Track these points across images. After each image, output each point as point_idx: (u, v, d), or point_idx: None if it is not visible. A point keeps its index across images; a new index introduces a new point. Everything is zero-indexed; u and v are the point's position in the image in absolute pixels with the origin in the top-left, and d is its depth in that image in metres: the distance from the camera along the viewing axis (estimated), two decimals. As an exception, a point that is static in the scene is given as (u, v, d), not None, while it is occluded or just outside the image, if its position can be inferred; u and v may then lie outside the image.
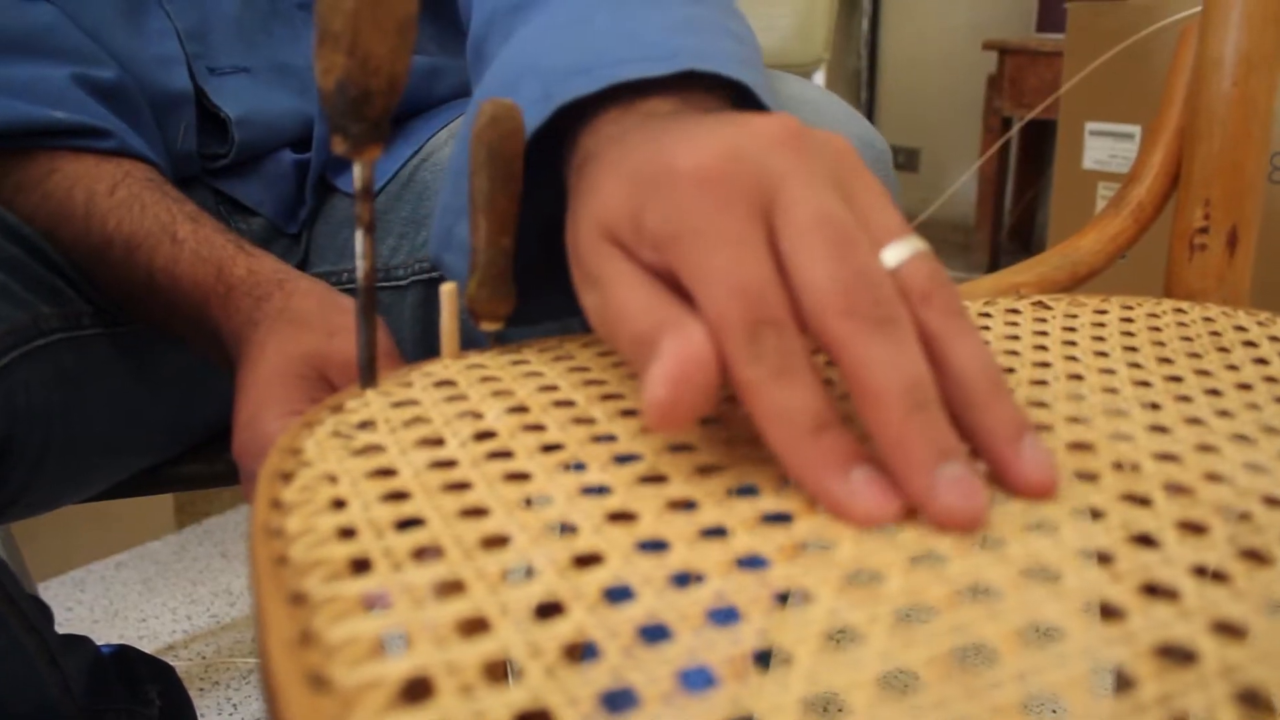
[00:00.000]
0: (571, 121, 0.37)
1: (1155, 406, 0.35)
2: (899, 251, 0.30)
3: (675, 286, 0.29)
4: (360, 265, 0.33)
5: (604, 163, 0.33)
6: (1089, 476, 0.29)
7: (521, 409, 0.32)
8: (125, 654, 0.74)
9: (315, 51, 0.31)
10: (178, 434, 0.70)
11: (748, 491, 0.28)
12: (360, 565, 0.24)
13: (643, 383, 0.27)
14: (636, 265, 0.30)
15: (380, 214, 0.71)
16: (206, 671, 1.24)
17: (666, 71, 0.36)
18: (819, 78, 1.87)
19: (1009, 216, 2.63)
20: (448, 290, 0.36)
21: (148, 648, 1.27)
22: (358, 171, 0.33)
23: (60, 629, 0.62)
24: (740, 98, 0.39)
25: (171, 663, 0.76)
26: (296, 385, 0.50)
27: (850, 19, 2.87)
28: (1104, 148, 1.71)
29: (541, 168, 0.39)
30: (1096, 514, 0.27)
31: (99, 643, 0.69)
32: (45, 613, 0.62)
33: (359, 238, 0.33)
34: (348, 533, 0.25)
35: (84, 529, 1.47)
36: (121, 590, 1.42)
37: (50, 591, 1.41)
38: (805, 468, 0.27)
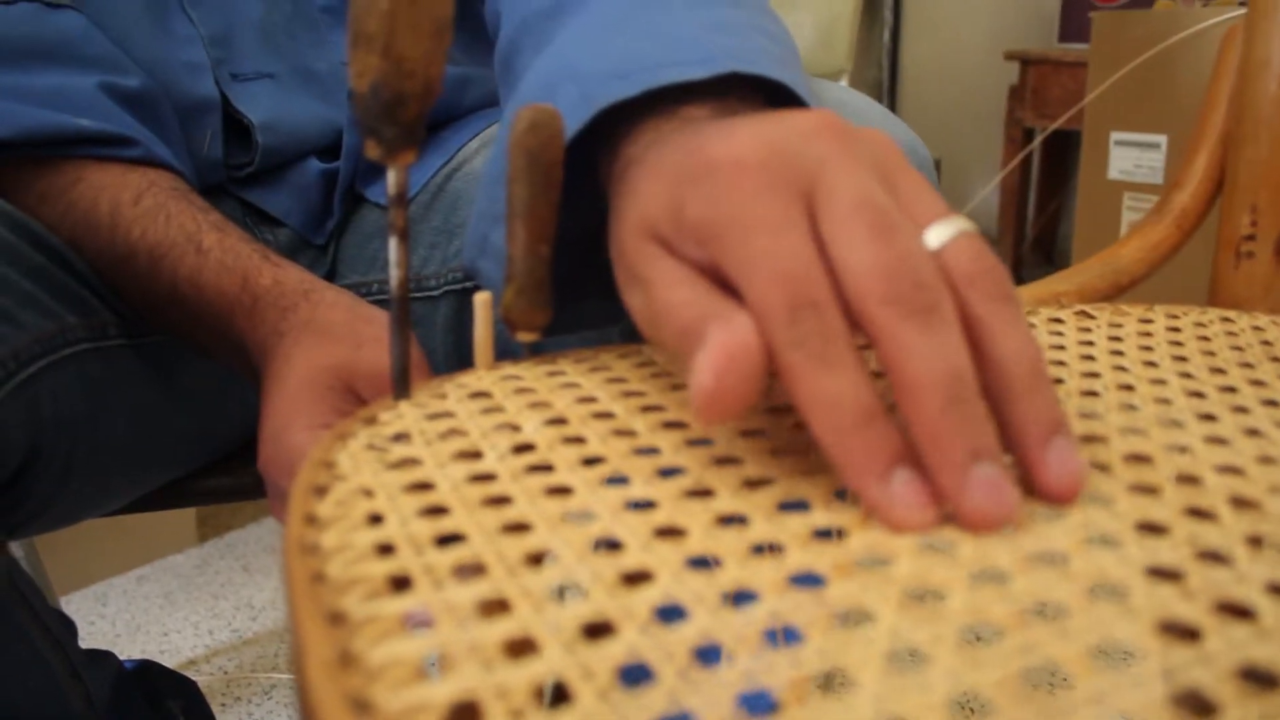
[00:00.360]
0: (609, 125, 0.37)
1: (1211, 418, 0.34)
2: (943, 232, 0.29)
3: (721, 282, 0.29)
4: (394, 273, 0.32)
5: (644, 166, 0.33)
6: (1149, 490, 0.28)
7: (560, 421, 0.32)
8: (148, 669, 0.73)
9: (349, 54, 0.31)
10: (202, 446, 0.69)
11: (798, 506, 0.27)
12: (400, 583, 0.23)
13: (689, 373, 0.27)
14: (680, 262, 0.30)
15: (411, 224, 0.70)
16: (228, 687, 1.23)
17: (706, 75, 0.36)
18: (841, 88, 1.86)
19: (1031, 228, 2.61)
20: (482, 300, 0.35)
21: (169, 662, 1.26)
22: (392, 177, 0.32)
23: (82, 643, 0.61)
24: (779, 98, 0.38)
25: (193, 678, 0.76)
26: (324, 397, 0.49)
27: (871, 30, 2.87)
28: (1129, 157, 1.70)
29: (577, 173, 0.38)
30: (1160, 529, 0.26)
31: (121, 658, 0.68)
32: (69, 627, 0.61)
33: (393, 245, 0.32)
34: (386, 549, 0.24)
35: (106, 542, 1.47)
36: (143, 604, 1.41)
37: (72, 605, 1.41)
38: (846, 463, 0.26)
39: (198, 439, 0.68)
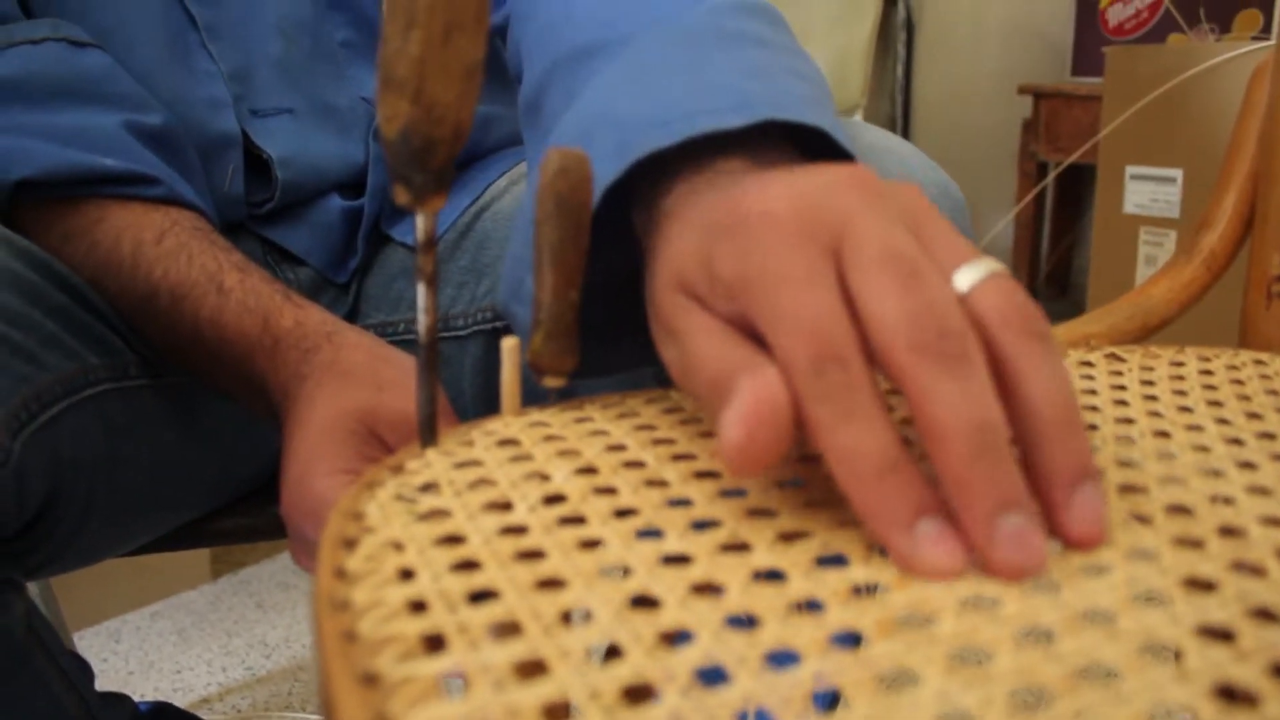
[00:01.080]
0: (640, 169, 0.37)
1: (1251, 466, 0.33)
2: (972, 274, 0.29)
3: (753, 335, 0.29)
4: (422, 320, 0.32)
5: (676, 219, 0.33)
6: (1194, 543, 0.28)
7: (590, 470, 0.31)
8: (163, 711, 0.73)
9: (378, 98, 0.31)
10: (222, 486, 0.69)
11: (836, 560, 0.26)
12: (434, 642, 0.23)
13: (717, 426, 0.27)
14: (712, 315, 0.30)
15: (438, 264, 0.70)
16: (241, 725, 1.23)
17: (743, 123, 0.36)
18: (855, 123, 1.86)
19: (1046, 262, 2.60)
20: (509, 346, 0.35)
21: (182, 701, 1.25)
22: (420, 222, 0.32)
23: (96, 681, 0.61)
24: (812, 141, 0.38)
25: (207, 716, 0.75)
26: (346, 442, 0.49)
27: (884, 64, 2.88)
28: (1145, 192, 1.69)
29: (610, 215, 0.38)
30: (1208, 585, 0.25)
31: (135, 697, 0.67)
32: (85, 670, 0.61)
33: (421, 291, 0.32)
34: (419, 606, 0.24)
35: (119, 579, 1.47)
36: (157, 641, 1.41)
37: (85, 642, 1.40)
38: (870, 513, 0.26)
39: (217, 479, 0.68)
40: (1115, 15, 2.28)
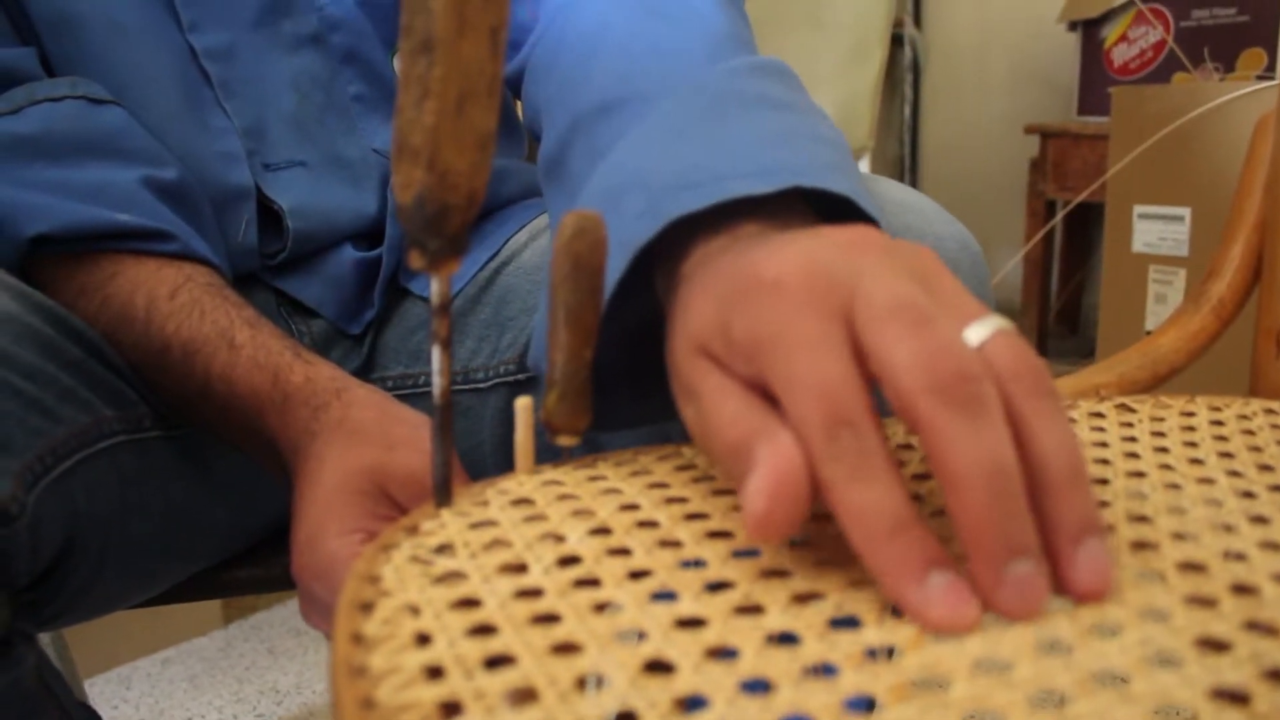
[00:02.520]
0: (664, 232, 0.37)
1: (1263, 520, 0.33)
2: (982, 330, 0.29)
3: (770, 397, 0.29)
4: (436, 382, 0.33)
5: (694, 284, 0.34)
6: (1207, 602, 0.28)
7: (604, 530, 0.31)
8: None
9: (393, 165, 0.31)
10: (235, 536, 0.69)
11: (849, 623, 0.27)
12: (451, 709, 0.23)
13: (741, 495, 0.28)
14: (730, 378, 0.31)
15: (458, 317, 0.70)
16: (253, 773, 1.22)
17: (770, 189, 0.36)
18: (864, 165, 1.87)
19: (1055, 301, 2.60)
20: (523, 405, 0.35)
21: (195, 749, 1.25)
22: (435, 287, 0.32)
23: (107, 729, 0.61)
24: (835, 204, 0.39)
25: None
26: (357, 501, 0.49)
27: (891, 105, 2.89)
28: (1154, 230, 1.70)
29: (638, 271, 0.39)
30: (1221, 645, 0.26)
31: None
32: None
33: (435, 354, 0.32)
34: (435, 672, 0.24)
35: (130, 625, 1.47)
36: (168, 688, 1.40)
37: (96, 689, 1.40)
38: (882, 570, 0.27)
39: (230, 529, 0.68)
40: (1120, 55, 2.29)
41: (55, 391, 0.55)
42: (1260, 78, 1.96)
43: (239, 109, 0.68)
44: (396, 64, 0.72)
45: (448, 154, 0.31)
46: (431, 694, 0.23)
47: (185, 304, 0.59)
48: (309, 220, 0.69)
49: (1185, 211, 1.66)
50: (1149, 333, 1.77)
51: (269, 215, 0.69)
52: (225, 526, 0.67)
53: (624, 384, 0.42)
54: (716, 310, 0.31)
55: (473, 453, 0.69)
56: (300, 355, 0.57)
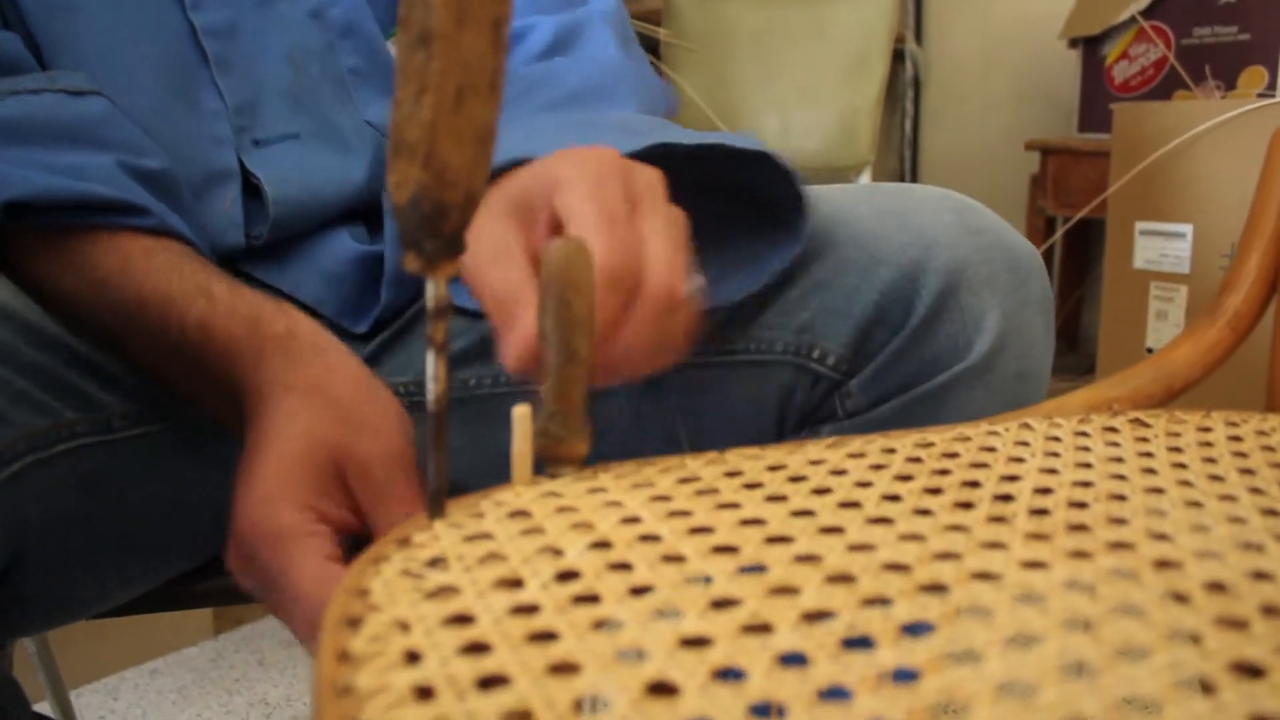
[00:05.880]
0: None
1: (1288, 539, 0.32)
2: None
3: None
4: (431, 388, 0.31)
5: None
6: (1237, 624, 0.26)
7: (604, 544, 0.30)
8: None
9: (389, 164, 0.30)
10: (221, 540, 0.67)
11: (862, 643, 0.25)
12: (441, 733, 0.21)
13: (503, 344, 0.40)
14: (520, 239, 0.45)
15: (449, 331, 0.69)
16: (241, 787, 1.20)
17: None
18: (864, 180, 1.87)
19: (1055, 317, 2.59)
20: (520, 413, 0.34)
21: (182, 763, 1.23)
22: (431, 290, 0.31)
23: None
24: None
25: (207, 783, 0.73)
26: (314, 476, 0.47)
27: (891, 120, 2.89)
28: (1155, 247, 1.69)
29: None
30: (1256, 670, 0.24)
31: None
32: None
33: (430, 360, 0.31)
34: (425, 692, 0.23)
35: (119, 635, 1.45)
36: (155, 699, 1.38)
37: (83, 700, 1.38)
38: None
39: (214, 532, 0.66)
40: (1121, 72, 2.29)
41: (7, 397, 0.53)
42: (1261, 95, 1.96)
43: (233, 86, 0.67)
44: (391, 47, 0.71)
45: (445, 150, 0.30)
46: (421, 715, 0.22)
47: (163, 265, 0.57)
48: (290, 187, 0.67)
49: (1187, 229, 1.65)
50: (1150, 350, 1.76)
51: (255, 194, 0.67)
52: (209, 528, 0.66)
53: None
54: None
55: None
56: (284, 310, 0.55)
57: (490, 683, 0.23)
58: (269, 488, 0.47)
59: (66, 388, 0.57)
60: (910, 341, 0.59)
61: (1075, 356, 2.61)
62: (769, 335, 0.63)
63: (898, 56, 2.75)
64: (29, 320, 0.56)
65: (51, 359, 0.56)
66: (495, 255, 0.43)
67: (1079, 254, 2.62)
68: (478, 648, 0.24)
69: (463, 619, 0.26)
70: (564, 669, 0.24)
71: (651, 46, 1.93)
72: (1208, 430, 0.43)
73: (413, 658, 0.24)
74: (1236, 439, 0.42)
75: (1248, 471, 0.38)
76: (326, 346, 0.53)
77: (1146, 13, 2.14)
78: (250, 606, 1.60)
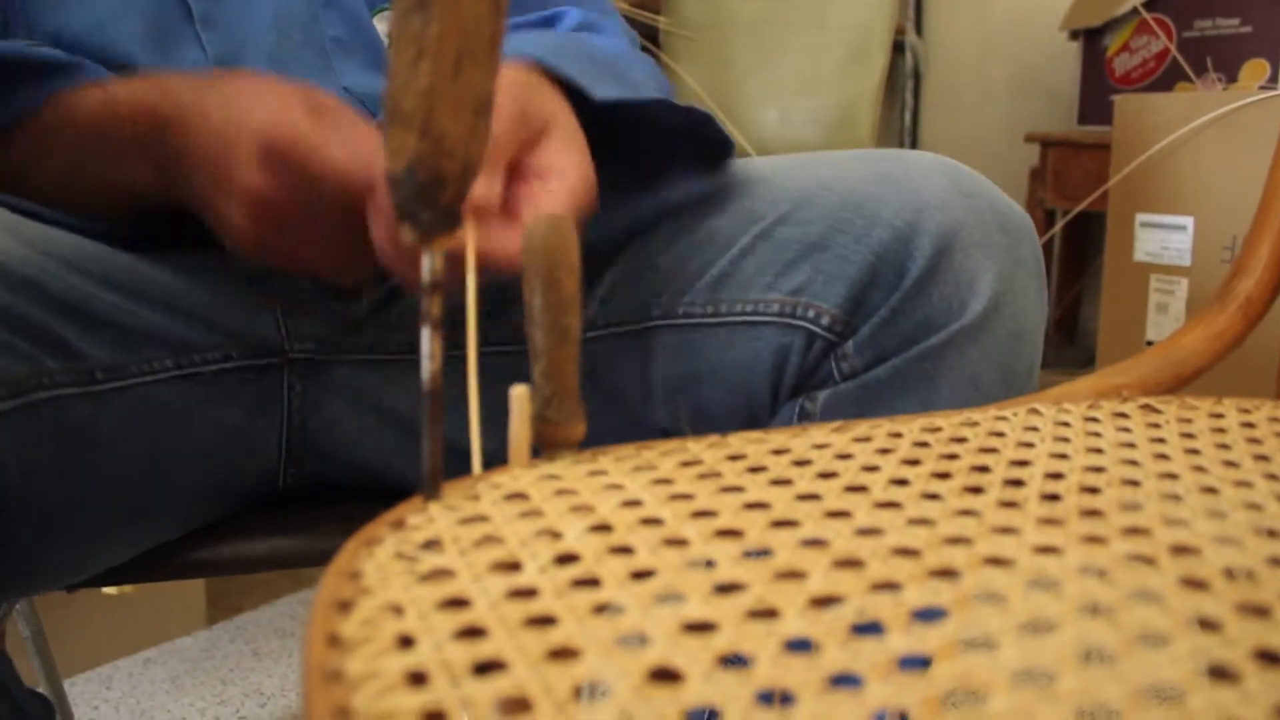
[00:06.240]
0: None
1: (1307, 526, 0.31)
2: None
3: None
4: (425, 366, 0.30)
5: None
6: (1259, 611, 0.25)
7: (604, 527, 0.29)
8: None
9: (384, 132, 0.29)
10: (213, 503, 0.66)
11: (872, 629, 0.24)
12: (435, 718, 0.21)
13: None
14: None
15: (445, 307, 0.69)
16: (234, 778, 1.19)
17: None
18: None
19: (1054, 310, 2.59)
20: (518, 394, 0.33)
21: (175, 752, 1.22)
22: (426, 263, 0.30)
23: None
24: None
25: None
26: (291, 88, 0.52)
27: (891, 111, 2.88)
28: (1156, 240, 1.68)
29: None
30: (1278, 658, 0.23)
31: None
32: (46, 708, 0.58)
33: (425, 336, 0.30)
34: (418, 678, 0.22)
35: (112, 623, 1.44)
36: (149, 689, 1.38)
37: (76, 689, 1.37)
38: None
39: (206, 495, 0.66)
40: (1122, 64, 2.27)
41: None
42: (1263, 88, 1.95)
43: (215, 40, 0.68)
44: (379, 24, 0.71)
45: (443, 118, 0.29)
46: (414, 702, 0.21)
47: (88, 89, 0.59)
48: None
49: (1188, 221, 1.64)
50: (1150, 342, 1.75)
51: None
52: (203, 488, 0.65)
53: None
54: None
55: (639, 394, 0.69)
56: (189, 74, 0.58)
57: (486, 668, 0.22)
58: (246, 100, 0.52)
59: (46, 336, 0.55)
60: (905, 302, 0.59)
61: (1075, 349, 2.61)
62: (764, 297, 0.63)
63: (898, 48, 2.74)
64: (3, 263, 0.55)
65: (29, 305, 0.55)
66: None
67: (1079, 247, 2.61)
68: (473, 632, 0.24)
69: (458, 602, 0.25)
70: (563, 654, 0.23)
71: (651, 35, 1.92)
72: (1220, 417, 0.42)
73: (406, 642, 0.23)
74: (1249, 425, 0.41)
75: (1262, 458, 0.37)
76: (235, 74, 0.57)
77: (1148, 5, 2.13)
78: (245, 596, 1.59)
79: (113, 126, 0.57)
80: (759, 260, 0.63)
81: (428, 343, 0.30)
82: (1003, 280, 0.58)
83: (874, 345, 0.60)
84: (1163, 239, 1.68)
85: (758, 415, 0.65)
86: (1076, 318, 2.67)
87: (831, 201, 0.62)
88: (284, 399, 0.67)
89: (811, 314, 0.61)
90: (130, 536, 0.63)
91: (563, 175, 0.52)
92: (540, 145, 0.52)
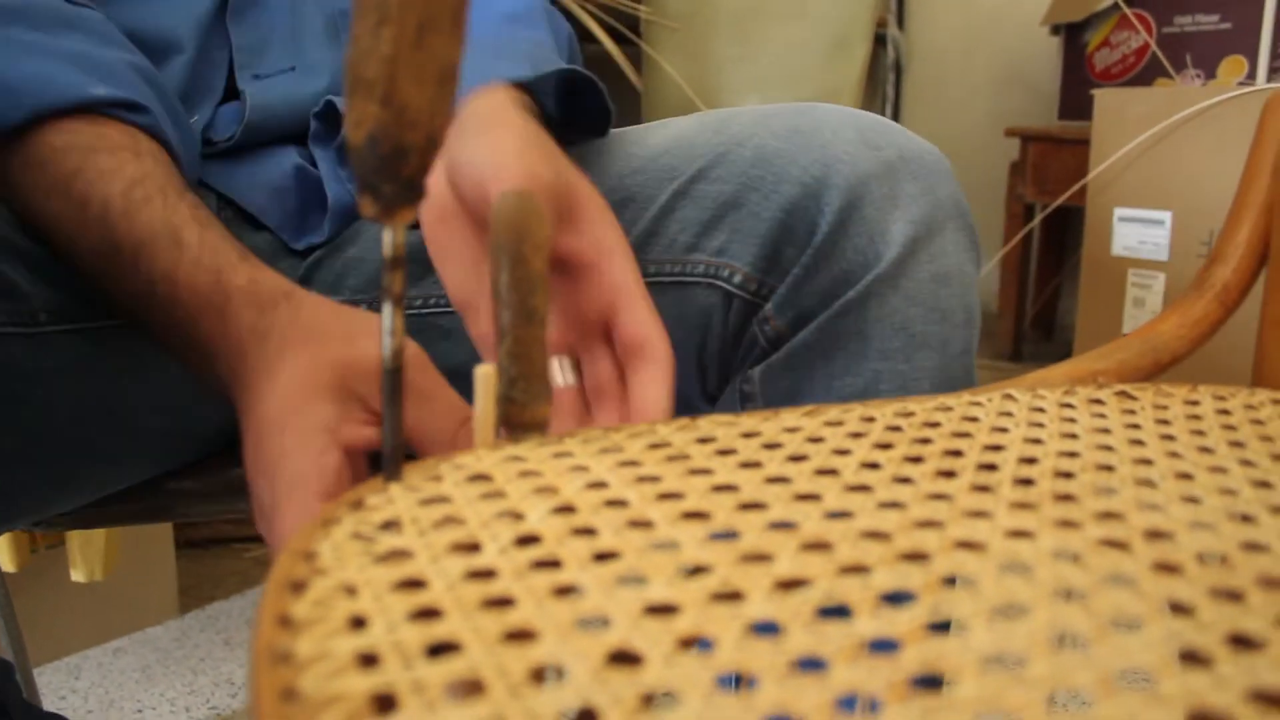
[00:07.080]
0: None
1: (1282, 512, 0.31)
2: None
3: None
4: (387, 342, 0.29)
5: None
6: (1232, 595, 0.25)
7: (568, 509, 0.28)
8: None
9: (346, 101, 0.28)
10: (175, 445, 0.66)
11: (838, 612, 0.24)
12: (384, 702, 0.20)
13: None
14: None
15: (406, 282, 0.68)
16: (204, 768, 1.18)
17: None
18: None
19: (1032, 305, 2.59)
20: (483, 373, 0.32)
21: (143, 743, 1.21)
22: (388, 237, 0.29)
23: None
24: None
25: (167, 763, 0.71)
26: (322, 398, 0.45)
27: (872, 105, 2.88)
28: (1133, 234, 1.69)
29: None
30: (1253, 643, 0.23)
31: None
32: (6, 672, 0.58)
33: (386, 311, 0.29)
34: (369, 660, 0.21)
35: (82, 612, 1.42)
36: (119, 679, 1.36)
37: (44, 678, 1.35)
38: None
39: (168, 437, 0.65)
40: (1102, 60, 2.28)
41: None
42: (1241, 84, 1.96)
43: (242, 30, 0.71)
44: None
45: (405, 88, 0.28)
46: (363, 684, 0.20)
47: (139, 200, 0.55)
48: (270, 94, 0.71)
49: (1166, 215, 1.65)
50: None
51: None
52: (163, 432, 0.64)
53: None
54: None
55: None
56: (247, 258, 0.54)
57: (440, 650, 0.21)
58: (268, 426, 0.45)
59: None
60: (817, 258, 0.58)
61: (1052, 343, 2.61)
62: (688, 258, 0.63)
63: (879, 41, 2.74)
64: None
65: None
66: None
67: (1057, 241, 2.62)
68: (428, 613, 0.23)
69: (414, 584, 0.24)
70: (520, 636, 0.22)
71: (632, 25, 1.91)
72: (1195, 404, 0.42)
73: (358, 623, 0.23)
74: (1225, 412, 0.41)
75: (1237, 444, 0.37)
76: (291, 289, 0.52)
77: (1128, 0, 2.13)
78: (217, 586, 1.58)
79: (166, 300, 0.54)
80: (681, 219, 0.63)
81: (389, 318, 0.29)
82: (916, 225, 0.57)
83: (793, 304, 0.60)
84: (1141, 233, 1.68)
85: (682, 385, 0.64)
86: (1054, 311, 2.68)
87: (745, 158, 0.61)
88: None
89: (727, 273, 0.61)
90: (95, 478, 0.63)
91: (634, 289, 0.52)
92: (578, 222, 0.51)
